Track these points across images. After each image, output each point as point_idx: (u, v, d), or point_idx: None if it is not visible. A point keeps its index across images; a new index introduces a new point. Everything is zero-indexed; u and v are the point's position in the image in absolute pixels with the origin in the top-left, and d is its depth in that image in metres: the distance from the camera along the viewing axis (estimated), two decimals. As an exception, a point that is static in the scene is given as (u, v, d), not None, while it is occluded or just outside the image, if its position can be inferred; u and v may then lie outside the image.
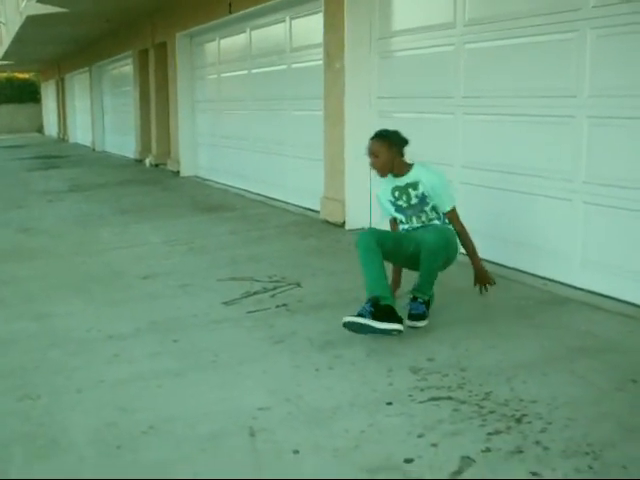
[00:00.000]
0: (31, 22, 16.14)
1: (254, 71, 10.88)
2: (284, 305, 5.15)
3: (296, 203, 9.40)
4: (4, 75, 40.56)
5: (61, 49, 23.49)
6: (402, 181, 4.90)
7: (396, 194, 4.94)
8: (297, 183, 9.56)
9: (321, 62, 8.29)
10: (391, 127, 7.20)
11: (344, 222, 7.86)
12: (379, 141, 4.91)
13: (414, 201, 4.86)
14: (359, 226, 7.71)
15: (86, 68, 23.61)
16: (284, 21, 9.72)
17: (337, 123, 7.90)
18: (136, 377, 3.97)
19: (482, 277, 4.98)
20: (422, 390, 3.64)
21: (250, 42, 10.99)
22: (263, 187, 10.79)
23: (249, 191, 11.19)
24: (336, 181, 8.01)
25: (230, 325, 4.79)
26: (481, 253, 6.20)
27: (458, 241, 4.87)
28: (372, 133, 7.47)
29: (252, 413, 3.44)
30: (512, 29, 5.86)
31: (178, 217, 9.11)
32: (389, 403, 3.50)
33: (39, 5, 13.93)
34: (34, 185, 13.71)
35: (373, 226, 4.84)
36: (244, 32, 11.12)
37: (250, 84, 11.08)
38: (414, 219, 4.89)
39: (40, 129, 39.76)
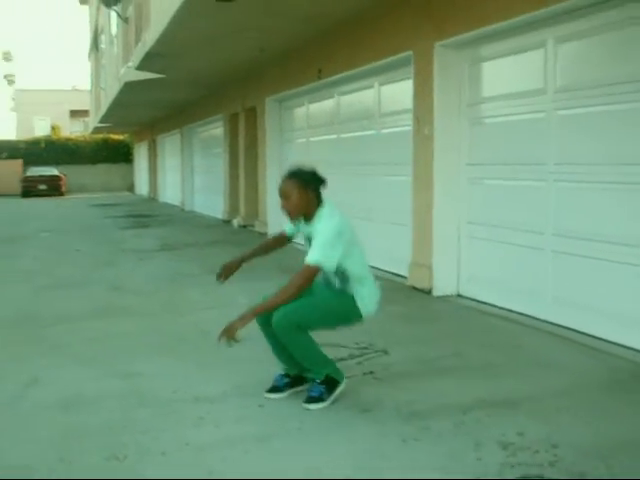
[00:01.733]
0: (129, 88, 16.79)
1: (343, 136, 10.99)
2: (371, 373, 5.09)
3: (383, 268, 9.34)
4: (100, 136, 42.19)
5: (155, 112, 24.31)
6: (307, 229, 4.55)
7: (305, 241, 4.63)
8: (384, 248, 9.52)
9: (410, 128, 8.33)
10: (479, 192, 7.23)
11: (431, 289, 7.78)
12: (291, 181, 4.50)
13: None
14: (447, 293, 7.65)
15: (177, 130, 24.32)
16: (373, 87, 9.83)
17: (426, 189, 7.88)
18: (222, 441, 3.97)
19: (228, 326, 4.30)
20: (512, 467, 3.52)
21: (339, 107, 11.14)
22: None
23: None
24: (424, 247, 7.97)
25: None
26: (571, 322, 6.09)
27: (356, 304, 4.43)
28: (458, 199, 7.53)
29: (337, 484, 3.39)
30: (604, 95, 5.79)
31: (265, 279, 9.10)
32: (477, 480, 3.40)
33: (137, 71, 14.48)
34: (125, 243, 14.06)
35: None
36: (333, 97, 11.29)
37: (338, 149, 11.19)
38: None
39: (131, 188, 40.99)
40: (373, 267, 9.51)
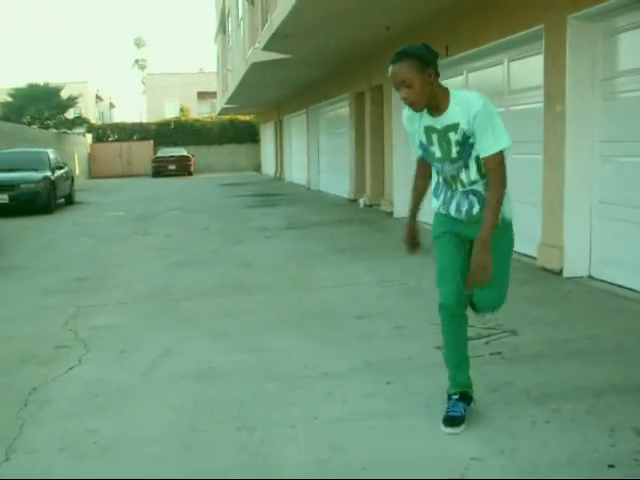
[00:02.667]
0: (255, 68, 17.05)
1: (470, 113, 10.79)
2: (499, 353, 5.02)
3: (510, 248, 9.17)
4: (227, 117, 43.10)
5: (280, 92, 24.60)
6: (440, 122, 3.57)
7: (433, 138, 3.64)
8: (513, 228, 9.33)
9: (540, 104, 8.10)
10: (613, 171, 6.95)
11: (562, 269, 7.57)
12: (407, 63, 3.49)
13: (454, 154, 3.59)
14: (578, 274, 7.43)
15: (303, 110, 24.51)
16: (502, 63, 9.61)
17: (557, 167, 7.67)
18: (349, 417, 4.01)
19: (474, 268, 3.56)
20: (649, 456, 3.40)
21: (467, 84, 10.95)
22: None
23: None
24: (554, 227, 7.75)
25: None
26: None
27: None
28: (591, 177, 7.27)
29: (465, 463, 3.38)
30: None
31: (392, 258, 9.12)
32: (611, 466, 3.30)
33: (264, 52, 14.68)
34: (253, 221, 14.33)
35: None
36: (461, 74, 11.10)
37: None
38: (456, 177, 3.69)
39: (257, 168, 41.72)
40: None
